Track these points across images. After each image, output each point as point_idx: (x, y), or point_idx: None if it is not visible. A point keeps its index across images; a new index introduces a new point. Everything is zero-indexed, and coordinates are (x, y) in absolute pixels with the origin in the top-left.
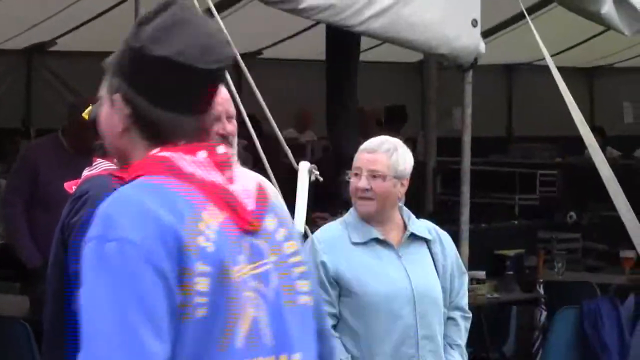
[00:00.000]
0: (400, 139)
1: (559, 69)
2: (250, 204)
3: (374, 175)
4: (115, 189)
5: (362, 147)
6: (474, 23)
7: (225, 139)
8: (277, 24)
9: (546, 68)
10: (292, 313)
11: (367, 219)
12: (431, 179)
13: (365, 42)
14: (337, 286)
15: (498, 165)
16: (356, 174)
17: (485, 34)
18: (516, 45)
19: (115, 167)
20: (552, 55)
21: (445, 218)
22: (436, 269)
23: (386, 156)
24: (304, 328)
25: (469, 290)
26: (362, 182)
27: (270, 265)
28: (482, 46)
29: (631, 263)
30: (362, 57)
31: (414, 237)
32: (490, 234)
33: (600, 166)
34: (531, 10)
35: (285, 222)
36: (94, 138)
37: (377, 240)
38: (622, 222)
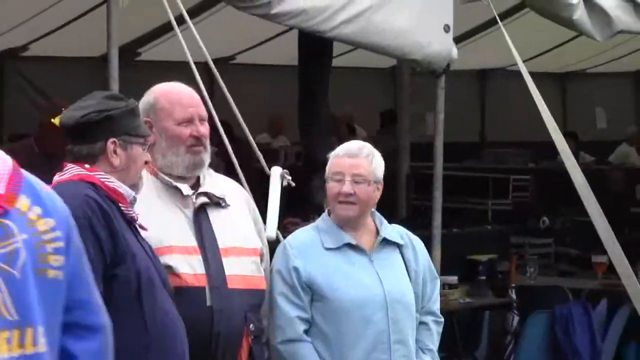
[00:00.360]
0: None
1: (532, 74)
2: (0, 188)
3: (357, 180)
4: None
5: (340, 151)
6: (447, 28)
7: (199, 140)
8: (250, 29)
9: (519, 73)
10: (41, 287)
11: (342, 224)
12: (404, 184)
13: (338, 48)
14: (310, 291)
15: (471, 171)
16: (338, 179)
17: (458, 40)
18: (489, 51)
19: (85, 172)
20: (524, 61)
21: (418, 223)
22: (408, 274)
23: (367, 161)
24: (53, 301)
25: (441, 295)
26: (347, 187)
27: (20, 242)
28: (454, 52)
29: (603, 268)
30: (335, 62)
31: (386, 242)
32: (463, 239)
33: (572, 171)
34: (504, 16)
35: (41, 201)
36: (64, 143)
37: (349, 246)
38: (594, 227)
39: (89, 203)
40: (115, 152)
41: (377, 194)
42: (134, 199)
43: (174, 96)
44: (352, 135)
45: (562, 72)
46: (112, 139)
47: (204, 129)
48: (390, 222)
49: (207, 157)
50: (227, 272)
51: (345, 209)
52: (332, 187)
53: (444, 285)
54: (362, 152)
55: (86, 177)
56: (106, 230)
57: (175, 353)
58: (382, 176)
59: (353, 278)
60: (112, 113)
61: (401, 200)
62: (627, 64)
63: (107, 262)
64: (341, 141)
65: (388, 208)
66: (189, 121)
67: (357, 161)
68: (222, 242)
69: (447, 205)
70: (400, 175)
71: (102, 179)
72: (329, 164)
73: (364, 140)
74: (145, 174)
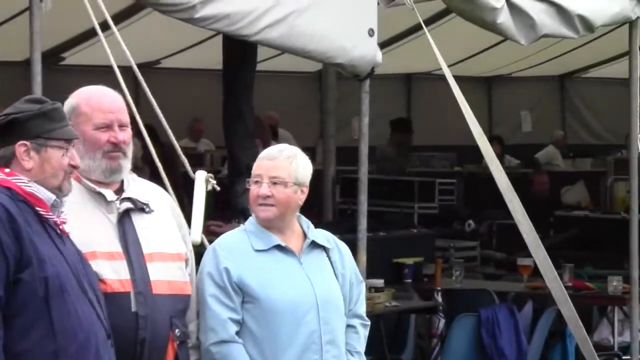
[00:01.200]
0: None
1: (458, 78)
2: None
3: (275, 182)
4: None
5: (261, 154)
6: (371, 33)
7: (117, 147)
8: (175, 33)
9: (445, 78)
10: None
11: (268, 226)
12: (330, 188)
13: (265, 52)
14: (241, 293)
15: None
16: (257, 181)
17: (385, 44)
18: (415, 55)
19: (4, 176)
20: (450, 65)
21: (344, 227)
22: (336, 276)
23: (287, 163)
24: None
25: (368, 299)
26: (264, 189)
27: None
28: (379, 56)
29: (528, 271)
30: (261, 67)
31: (314, 245)
32: (389, 243)
33: (496, 175)
34: (430, 20)
35: None
36: None
37: (279, 248)
38: (519, 230)
39: None
40: (27, 155)
41: (300, 197)
42: (57, 203)
43: (94, 101)
44: (276, 139)
45: (488, 76)
46: (21, 142)
47: (124, 135)
48: (316, 226)
49: (126, 163)
50: (151, 278)
51: (263, 211)
52: (251, 190)
53: (370, 289)
54: (282, 155)
55: (3, 181)
56: (11, 235)
57: None
58: (306, 179)
59: (284, 279)
60: (19, 116)
61: (327, 204)
62: (552, 68)
63: (9, 266)
64: (265, 145)
65: (315, 212)
66: (108, 127)
67: (276, 163)
68: (147, 247)
69: (374, 209)
70: (326, 179)
71: (20, 184)
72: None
73: (290, 143)
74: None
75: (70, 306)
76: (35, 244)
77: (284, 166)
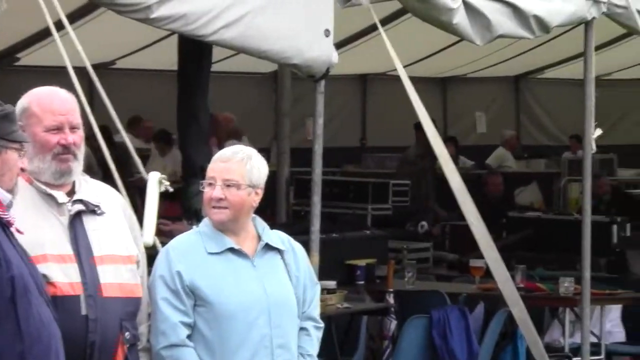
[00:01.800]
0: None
1: (413, 79)
2: None
3: (228, 184)
4: None
5: (215, 156)
6: (327, 33)
7: (67, 149)
8: (131, 34)
9: (400, 78)
10: None
11: (222, 228)
12: (284, 189)
13: (220, 52)
14: (193, 296)
15: (351, 175)
16: (210, 184)
17: (340, 45)
18: (371, 56)
19: None
20: (405, 66)
21: (298, 228)
22: (290, 279)
23: (240, 165)
24: None
25: (320, 301)
26: (217, 192)
27: None
28: (334, 56)
29: (480, 272)
30: (217, 67)
31: (268, 247)
32: (342, 244)
33: (450, 176)
34: (386, 20)
35: None
36: None
37: (232, 250)
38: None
39: None
40: None
41: (255, 198)
42: (10, 203)
43: (45, 102)
44: (231, 139)
45: (444, 77)
46: None
47: (75, 137)
48: (271, 227)
49: (76, 166)
50: (102, 281)
51: (217, 214)
52: (205, 192)
53: (322, 291)
54: (236, 157)
55: None
56: None
57: None
58: (261, 180)
59: (236, 282)
60: None
61: (281, 205)
62: (508, 68)
63: None
64: (221, 145)
65: (269, 213)
66: (58, 129)
67: (229, 165)
68: (97, 249)
69: (327, 210)
70: (280, 180)
71: None
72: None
73: (246, 144)
74: (20, 181)
75: (34, 307)
76: (1, 243)
77: (237, 168)
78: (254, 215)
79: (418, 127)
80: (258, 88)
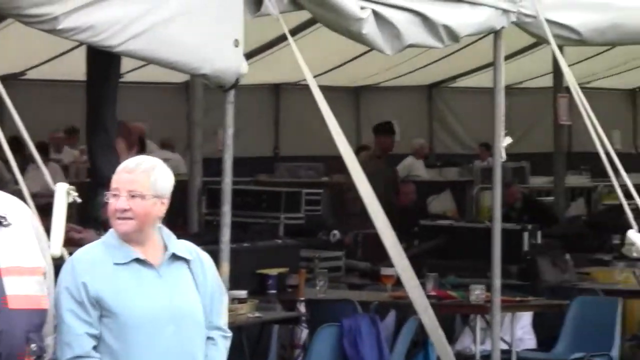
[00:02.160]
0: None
1: (326, 88)
2: None
3: (133, 195)
4: None
5: (119, 167)
6: (236, 43)
7: None
8: (41, 44)
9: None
10: None
11: (127, 239)
12: (196, 199)
13: (131, 63)
14: (99, 307)
15: (264, 185)
16: (115, 195)
17: (252, 54)
18: (284, 66)
19: None
20: (317, 75)
21: (210, 238)
22: (197, 289)
23: (144, 176)
24: None
25: (230, 310)
26: (121, 203)
27: None
28: (244, 66)
29: (392, 280)
30: (129, 77)
31: (174, 257)
32: (253, 254)
33: (360, 185)
34: (296, 30)
35: None
36: None
37: (138, 261)
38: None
39: None
40: None
41: (161, 208)
42: None
43: None
44: (142, 149)
45: (356, 86)
46: None
47: None
48: (180, 237)
49: None
50: (7, 292)
51: (121, 225)
52: (109, 203)
53: (232, 300)
54: (140, 167)
55: None
56: None
57: None
58: (166, 190)
59: (142, 293)
60: None
61: (193, 215)
62: (420, 77)
63: None
64: (130, 153)
65: (180, 223)
66: None
67: (133, 176)
68: (3, 261)
69: (239, 220)
70: (192, 190)
71: None
72: None
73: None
74: None
75: None
76: None
77: (141, 179)
78: (160, 225)
79: (376, 130)
80: (172, 98)
